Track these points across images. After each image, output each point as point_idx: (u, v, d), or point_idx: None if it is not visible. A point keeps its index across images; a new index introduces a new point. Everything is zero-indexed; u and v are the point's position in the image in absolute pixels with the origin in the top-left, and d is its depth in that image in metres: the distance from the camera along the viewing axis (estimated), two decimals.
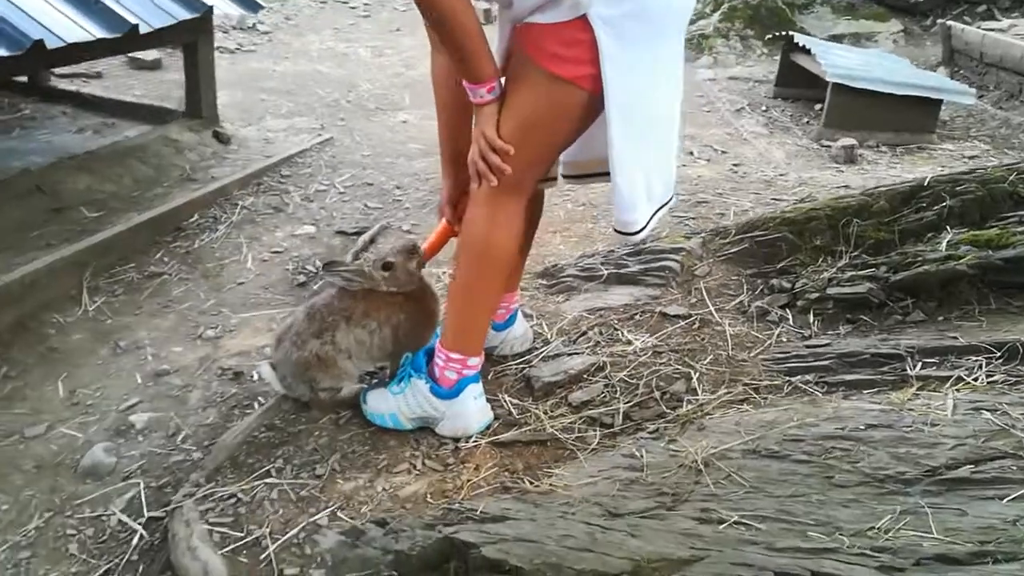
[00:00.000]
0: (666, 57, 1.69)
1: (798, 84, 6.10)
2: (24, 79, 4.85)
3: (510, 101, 1.68)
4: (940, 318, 1.95)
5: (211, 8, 3.82)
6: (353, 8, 8.41)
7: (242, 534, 1.67)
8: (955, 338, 1.81)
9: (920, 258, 2.04)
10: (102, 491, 2.01)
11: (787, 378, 1.89)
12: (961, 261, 1.95)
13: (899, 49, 7.43)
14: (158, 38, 3.81)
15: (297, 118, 4.96)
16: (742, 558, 1.23)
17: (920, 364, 1.77)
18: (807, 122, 5.75)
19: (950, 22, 6.96)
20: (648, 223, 1.77)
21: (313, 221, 3.50)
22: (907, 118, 5.35)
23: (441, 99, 1.86)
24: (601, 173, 2.04)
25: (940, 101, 5.39)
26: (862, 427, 1.55)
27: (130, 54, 5.65)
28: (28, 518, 1.95)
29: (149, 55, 5.69)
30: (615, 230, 1.80)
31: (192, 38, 4.08)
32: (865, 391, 1.77)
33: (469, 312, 1.88)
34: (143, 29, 3.33)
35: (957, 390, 1.67)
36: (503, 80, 1.70)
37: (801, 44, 5.84)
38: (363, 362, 2.03)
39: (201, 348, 2.60)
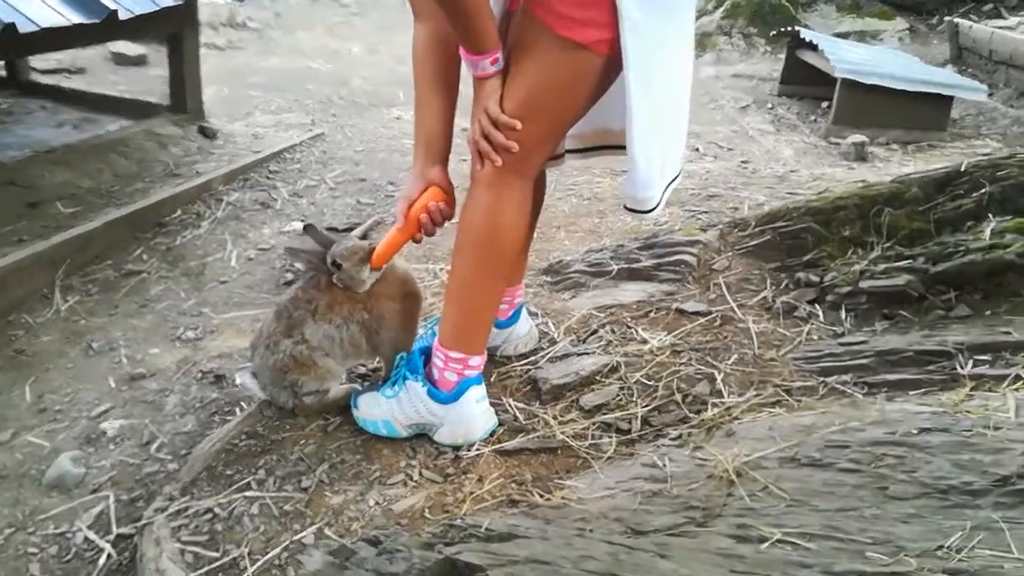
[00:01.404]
0: (685, 25, 1.56)
1: (804, 81, 5.96)
2: (2, 73, 4.67)
3: (516, 70, 1.52)
4: (987, 312, 1.78)
5: None
6: (345, 6, 8.27)
7: (218, 554, 1.48)
8: (1007, 333, 1.65)
9: (962, 248, 1.88)
10: (68, 505, 1.85)
11: (821, 378, 1.72)
12: (1008, 250, 1.78)
13: (905, 48, 7.31)
14: (140, 28, 3.65)
15: (287, 114, 4.80)
16: None
17: (971, 362, 1.60)
18: (814, 120, 5.61)
19: (957, 19, 6.83)
20: (661, 199, 1.61)
21: (302, 217, 3.33)
22: (918, 115, 5.21)
23: (420, 74, 1.65)
24: (604, 147, 1.90)
25: (952, 98, 5.26)
26: (915, 432, 1.38)
27: (113, 49, 5.49)
28: None
29: (133, 50, 5.53)
30: (627, 208, 1.64)
31: (176, 29, 3.92)
32: (911, 392, 1.60)
33: (471, 306, 1.71)
34: (123, 15, 3.16)
35: (1016, 390, 1.50)
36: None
37: (808, 40, 5.71)
38: (341, 360, 1.83)
39: (180, 350, 2.42)
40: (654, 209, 1.62)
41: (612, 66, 1.50)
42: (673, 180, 1.66)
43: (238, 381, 2.00)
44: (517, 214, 1.64)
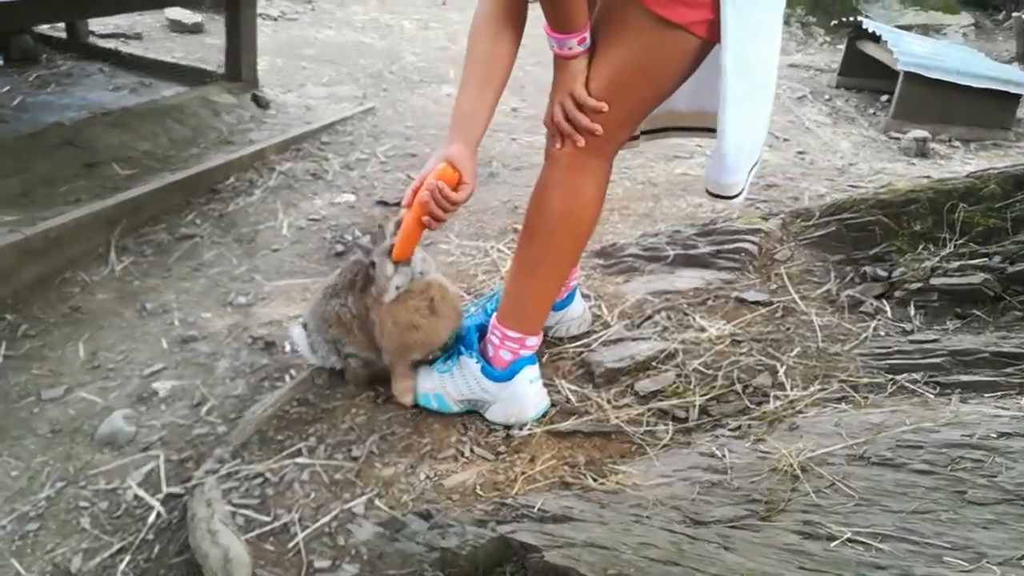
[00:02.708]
0: (778, 9, 1.46)
1: (863, 74, 5.80)
2: (63, 35, 4.74)
3: (604, 49, 1.45)
4: None
5: None
6: None
7: (269, 519, 1.48)
8: None
9: None
10: (119, 462, 1.87)
11: (890, 376, 1.65)
12: None
13: (969, 43, 7.06)
14: None
15: (338, 87, 4.79)
16: None
17: None
18: (873, 113, 5.45)
19: None
20: (745, 186, 1.55)
21: (353, 190, 3.31)
22: (982, 112, 5.04)
23: (470, 53, 1.55)
24: (674, 128, 1.84)
25: (1018, 96, 5.07)
26: (994, 435, 1.32)
27: (171, 16, 5.52)
28: (39, 487, 1.81)
29: (189, 18, 5.56)
30: (710, 192, 1.56)
31: None
32: (986, 394, 1.53)
33: (534, 288, 1.66)
34: None
35: None
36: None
37: (870, 31, 5.53)
38: (367, 343, 1.73)
39: (231, 315, 2.43)
40: (738, 195, 1.55)
41: (705, 48, 1.44)
42: (754, 166, 1.59)
43: (290, 332, 1.98)
44: (594, 196, 1.59)
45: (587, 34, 1.44)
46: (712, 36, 1.39)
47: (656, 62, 1.44)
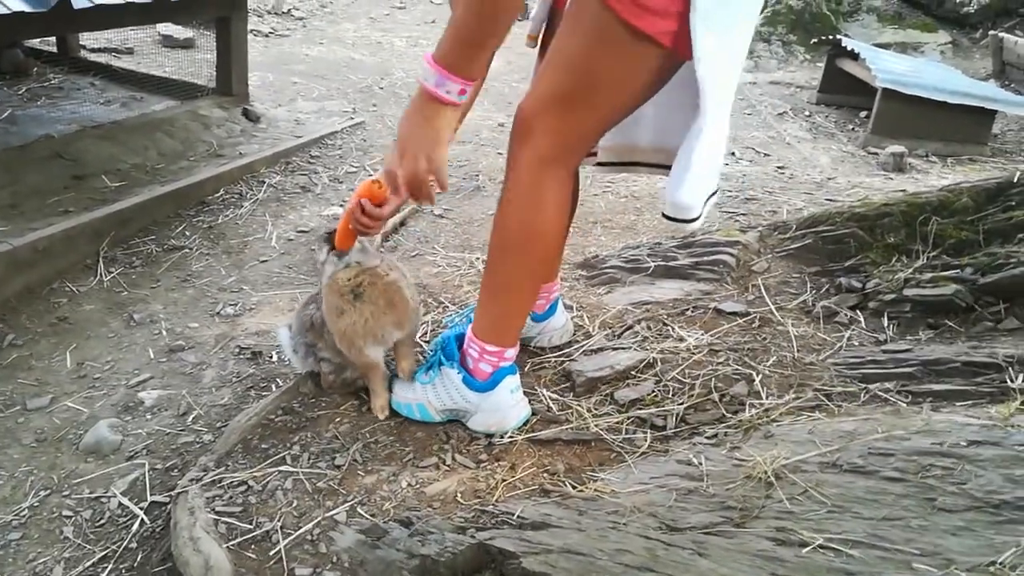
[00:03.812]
0: (751, 29, 1.46)
1: (842, 91, 5.90)
2: (53, 49, 4.76)
3: (568, 55, 1.44)
4: None
5: None
6: None
7: (251, 526, 1.49)
8: None
9: (1013, 260, 1.83)
10: (104, 470, 1.88)
11: (863, 385, 1.69)
12: None
13: (946, 61, 7.18)
14: (190, 10, 3.71)
15: (328, 101, 4.83)
16: None
17: (1022, 376, 1.57)
18: (852, 129, 5.54)
19: (1002, 34, 6.70)
20: (703, 210, 1.54)
21: (341, 202, 3.34)
22: (959, 128, 5.13)
23: None
24: (633, 163, 1.84)
25: (994, 112, 5.17)
26: (964, 443, 1.35)
27: (162, 31, 5.56)
28: (23, 496, 1.81)
29: (181, 33, 5.60)
30: (667, 216, 1.54)
31: (226, 12, 3.96)
32: (957, 403, 1.57)
33: (507, 303, 1.67)
34: None
35: None
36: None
37: (849, 48, 5.64)
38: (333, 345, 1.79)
39: (219, 325, 2.45)
40: (695, 220, 1.53)
41: (670, 63, 1.44)
42: (713, 194, 1.58)
43: (278, 331, 2.02)
44: (558, 209, 1.58)
45: (469, 89, 1.34)
46: (678, 47, 1.38)
47: (622, 71, 1.42)
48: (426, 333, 2.15)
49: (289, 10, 7.21)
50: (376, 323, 1.70)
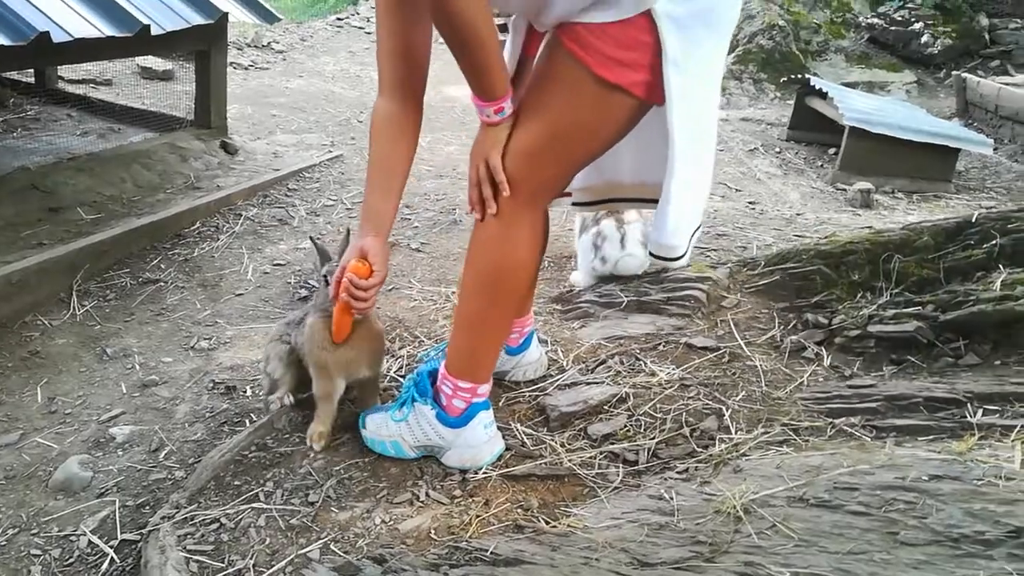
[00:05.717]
0: (720, 68, 1.53)
1: (811, 128, 6.06)
2: (31, 80, 4.76)
3: (540, 104, 1.50)
4: (997, 362, 1.80)
5: (226, 15, 3.74)
6: (369, 33, 8.40)
7: (223, 565, 1.49)
8: (1018, 384, 1.66)
9: (972, 297, 1.90)
10: (74, 508, 1.85)
11: (829, 420, 1.73)
12: (1020, 302, 1.80)
13: (912, 100, 7.41)
14: (170, 43, 3.73)
15: (307, 134, 4.87)
16: None
17: (980, 411, 1.62)
18: (821, 165, 5.68)
19: (965, 74, 6.94)
20: (688, 248, 1.60)
21: (319, 235, 3.36)
22: (924, 166, 5.28)
23: (372, 152, 1.59)
24: (611, 199, 1.92)
25: (957, 150, 5.33)
26: (925, 478, 1.39)
27: (141, 63, 5.58)
28: None
29: (160, 65, 5.62)
30: (653, 255, 1.60)
31: (205, 46, 4.00)
32: (920, 438, 1.61)
33: (479, 340, 1.70)
34: (155, 31, 3.23)
35: None
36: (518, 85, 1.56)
37: (817, 87, 5.80)
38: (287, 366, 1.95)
39: (193, 359, 2.44)
40: (680, 258, 1.59)
41: (641, 110, 1.50)
42: (696, 230, 1.63)
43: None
44: (529, 250, 1.63)
45: (506, 104, 1.48)
46: (650, 96, 1.45)
47: (594, 121, 1.48)
48: (402, 368, 2.16)
49: (269, 43, 7.27)
50: (356, 361, 1.79)
